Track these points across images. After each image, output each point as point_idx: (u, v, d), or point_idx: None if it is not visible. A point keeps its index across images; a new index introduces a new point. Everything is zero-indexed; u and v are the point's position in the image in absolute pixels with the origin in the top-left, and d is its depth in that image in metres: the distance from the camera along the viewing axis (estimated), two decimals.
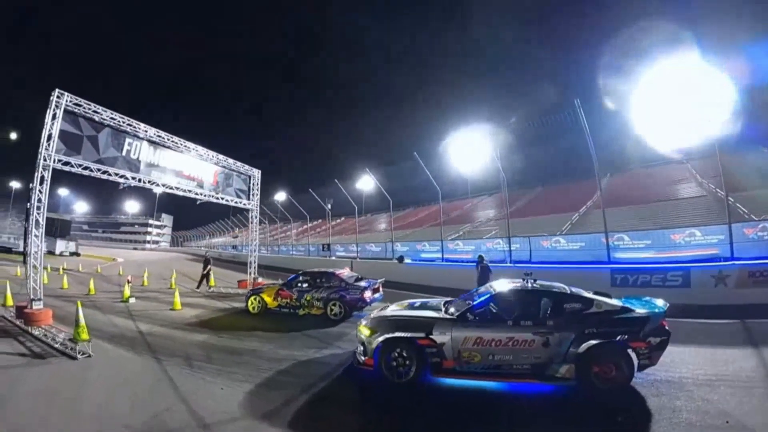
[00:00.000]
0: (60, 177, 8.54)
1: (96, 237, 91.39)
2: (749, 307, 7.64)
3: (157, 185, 10.98)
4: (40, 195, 7.54)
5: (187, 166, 11.89)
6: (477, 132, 15.15)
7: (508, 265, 14.33)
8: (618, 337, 4.33)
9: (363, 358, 4.99)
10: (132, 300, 11.12)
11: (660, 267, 10.12)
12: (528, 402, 4.30)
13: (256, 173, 14.98)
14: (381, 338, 4.82)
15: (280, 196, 31.08)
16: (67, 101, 8.00)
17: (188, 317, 9.06)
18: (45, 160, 7.62)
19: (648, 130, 15.90)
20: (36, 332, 6.91)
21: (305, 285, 9.32)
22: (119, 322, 8.38)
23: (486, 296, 4.96)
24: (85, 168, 8.68)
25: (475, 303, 4.89)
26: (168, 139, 10.93)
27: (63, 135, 8.08)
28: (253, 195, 14.96)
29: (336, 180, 22.30)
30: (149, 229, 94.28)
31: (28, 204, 7.75)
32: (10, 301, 9.30)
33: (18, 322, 7.56)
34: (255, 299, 9.61)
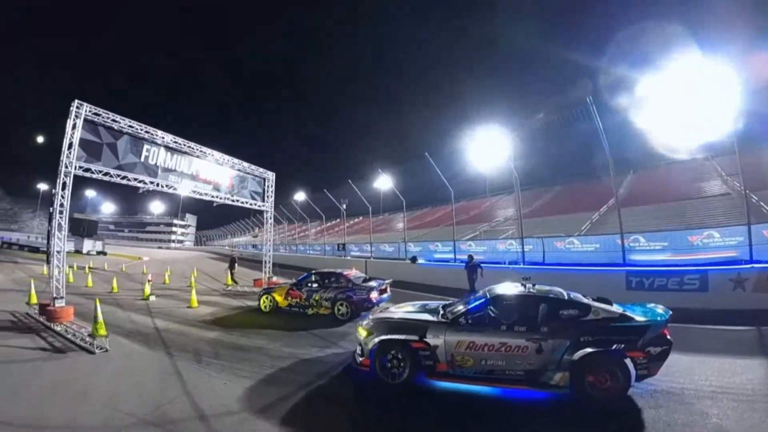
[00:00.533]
0: (87, 179, 9.07)
1: (122, 236, 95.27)
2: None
3: (174, 189, 11.47)
4: (62, 200, 8.04)
5: (203, 170, 12.36)
6: (495, 130, 15.00)
7: (522, 266, 14.17)
8: (614, 346, 4.20)
9: (360, 358, 5.12)
10: (152, 298, 11.64)
11: (677, 270, 9.83)
12: (520, 407, 4.29)
13: (271, 176, 15.37)
14: (377, 340, 4.93)
15: (300, 196, 31.71)
16: (86, 111, 8.48)
17: (203, 315, 9.45)
18: (66, 167, 8.12)
19: (671, 126, 15.43)
20: (58, 328, 7.36)
21: (314, 285, 9.57)
22: (137, 319, 8.83)
23: (481, 300, 4.96)
24: (105, 174, 9.18)
25: (469, 307, 4.91)
26: (184, 145, 11.40)
27: (83, 143, 8.57)
28: (267, 197, 15.38)
29: (349, 180, 22.56)
30: (174, 229, 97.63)
31: (51, 208, 8.26)
32: (34, 299, 9.83)
33: (41, 319, 8.04)
34: (267, 298, 9.93)
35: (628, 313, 4.52)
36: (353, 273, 9.95)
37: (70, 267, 19.41)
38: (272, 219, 16.08)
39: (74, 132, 8.20)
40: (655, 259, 12.41)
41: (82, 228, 37.94)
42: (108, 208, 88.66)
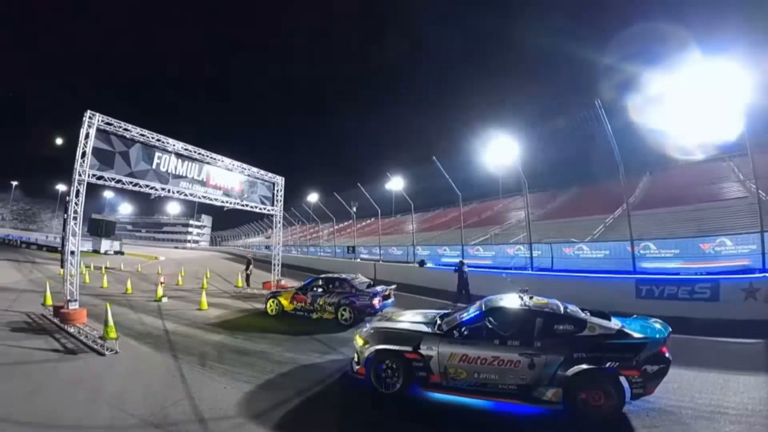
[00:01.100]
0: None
1: (139, 237, 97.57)
2: None
3: (185, 195, 11.82)
4: (76, 207, 8.41)
5: (214, 176, 12.70)
6: (509, 131, 14.93)
7: (530, 272, 14.07)
8: (608, 364, 4.14)
9: (357, 366, 5.23)
10: (164, 299, 11.98)
11: (688, 279, 9.62)
12: (513, 421, 4.30)
13: (280, 180, 15.65)
14: (372, 349, 5.02)
15: (312, 198, 32.12)
16: (99, 121, 8.85)
17: (211, 317, 9.71)
18: (80, 175, 8.49)
19: (688, 126, 15.07)
20: (71, 330, 7.68)
21: (319, 290, 9.74)
22: (148, 321, 9.14)
23: (475, 313, 4.97)
24: (118, 181, 9.57)
25: (463, 319, 4.93)
26: (195, 152, 11.75)
27: (96, 152, 8.94)
28: (276, 201, 15.67)
29: (359, 184, 22.71)
30: (190, 229, 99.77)
31: (65, 214, 8.63)
32: (49, 301, 10.20)
33: (55, 321, 8.39)
34: (273, 302, 10.15)
35: (626, 330, 4.43)
36: (359, 278, 10.09)
37: (87, 267, 20.15)
38: (281, 223, 16.36)
39: (87, 141, 8.57)
40: (666, 267, 12.12)
41: (100, 228, 39.18)
42: (126, 209, 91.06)
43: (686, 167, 25.88)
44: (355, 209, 25.93)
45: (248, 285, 15.53)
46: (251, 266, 16.14)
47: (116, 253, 40.10)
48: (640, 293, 9.61)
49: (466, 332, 4.73)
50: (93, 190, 8.80)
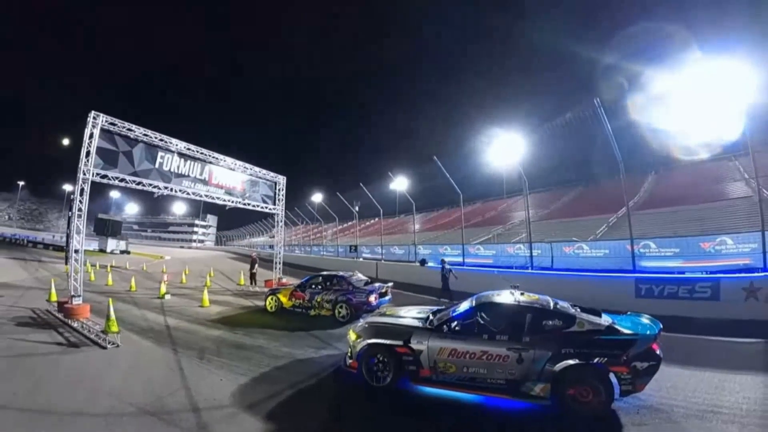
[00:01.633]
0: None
1: (146, 236, 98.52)
2: None
3: (188, 194, 12.01)
4: (80, 205, 8.63)
5: (216, 175, 12.88)
6: (514, 131, 14.94)
7: (530, 271, 14.09)
8: (596, 360, 4.13)
9: (349, 360, 5.33)
10: (167, 296, 12.17)
11: (688, 278, 9.60)
12: (500, 415, 4.34)
13: (281, 180, 15.82)
14: (364, 343, 5.12)
15: (316, 198, 32.35)
16: (102, 121, 9.06)
17: (212, 314, 9.86)
18: (84, 174, 8.70)
19: (693, 126, 14.99)
20: (74, 324, 7.86)
21: (317, 287, 9.87)
22: (150, 317, 9.31)
23: (465, 308, 5.04)
24: (122, 180, 9.78)
25: (453, 314, 5.00)
26: (197, 151, 11.94)
27: (100, 151, 9.14)
28: (278, 200, 15.82)
29: (361, 184, 22.86)
30: (195, 229, 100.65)
31: (70, 213, 8.83)
32: (54, 297, 10.45)
33: (59, 316, 8.60)
34: (272, 299, 10.29)
35: (615, 326, 4.43)
36: (356, 276, 10.19)
37: (93, 266, 20.44)
38: (283, 222, 16.52)
39: (91, 141, 8.78)
40: (666, 266, 12.06)
41: (106, 228, 39.65)
42: (132, 209, 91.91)
43: (691, 167, 25.71)
44: (357, 209, 26.05)
45: (253, 283, 15.66)
46: (256, 265, 16.28)
47: (122, 252, 40.53)
48: (640, 292, 9.60)
49: (455, 327, 4.80)
50: (100, 190, 9.02)
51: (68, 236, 9.00)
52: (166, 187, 10.99)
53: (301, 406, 4.53)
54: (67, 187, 55.04)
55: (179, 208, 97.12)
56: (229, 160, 13.29)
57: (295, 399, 4.69)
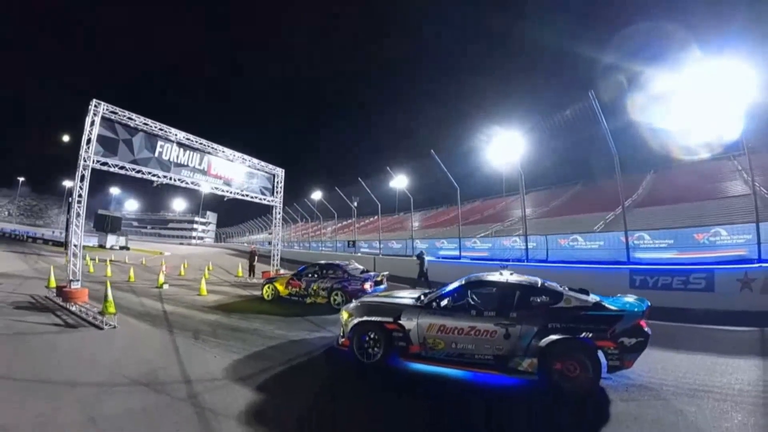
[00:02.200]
0: (110, 177, 9.73)
1: (145, 233, 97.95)
2: None
3: (187, 183, 12.08)
4: (80, 191, 8.72)
5: (215, 166, 12.96)
6: (513, 129, 14.99)
7: (525, 263, 14.15)
8: (583, 334, 4.15)
9: (342, 339, 5.41)
10: (165, 286, 12.24)
11: (682, 268, 9.59)
12: (489, 391, 4.36)
13: (280, 172, 15.89)
14: (356, 321, 5.21)
15: (316, 195, 32.49)
16: (104, 109, 9.16)
17: (209, 301, 9.95)
18: (85, 161, 8.80)
19: (692, 125, 15.03)
20: (72, 308, 7.95)
21: (313, 275, 9.94)
22: (148, 303, 9.40)
23: (455, 287, 5.12)
24: (121, 168, 9.87)
25: (443, 292, 5.09)
26: (196, 141, 12.03)
27: (101, 139, 9.25)
28: (276, 192, 15.90)
29: (359, 178, 22.94)
30: (195, 226, 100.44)
31: (70, 198, 8.92)
32: (53, 283, 10.53)
33: (57, 300, 8.69)
34: (269, 287, 10.39)
35: (603, 303, 4.46)
36: (352, 265, 10.28)
37: (92, 260, 20.51)
38: (281, 214, 16.60)
39: (92, 128, 8.88)
40: (661, 257, 12.13)
41: (106, 224, 39.67)
42: (132, 205, 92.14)
43: (690, 166, 25.76)
44: (356, 204, 26.10)
45: (252, 275, 15.83)
46: (256, 257, 16.45)
47: (121, 248, 40.47)
48: (634, 283, 9.62)
49: (445, 304, 4.88)
50: (99, 186, 9.07)
51: (68, 221, 9.07)
52: (165, 176, 11.08)
53: (293, 380, 4.62)
54: (67, 183, 55.06)
55: (179, 205, 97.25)
56: (228, 151, 13.37)
57: (287, 374, 4.77)
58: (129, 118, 9.93)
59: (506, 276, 5.14)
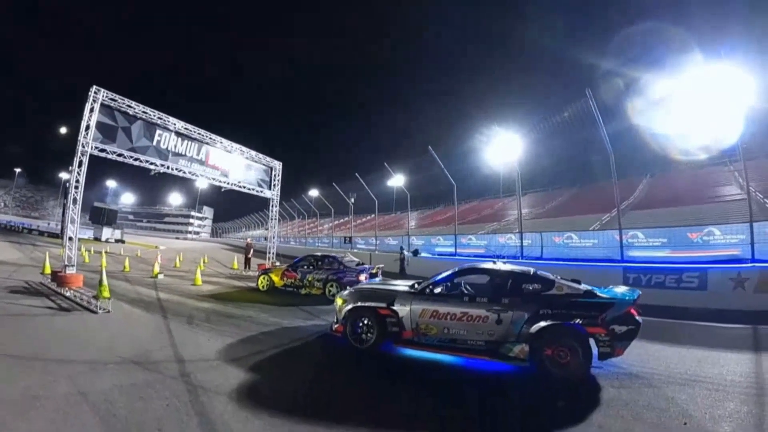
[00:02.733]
0: (109, 170, 9.77)
1: (141, 226, 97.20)
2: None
3: (184, 173, 12.06)
4: (78, 176, 8.70)
5: (212, 156, 12.95)
6: (512, 131, 15.05)
7: (520, 260, 14.23)
8: (573, 321, 4.18)
9: (335, 325, 5.44)
10: (160, 276, 12.23)
11: (675, 267, 9.67)
12: (481, 377, 4.37)
13: (278, 165, 15.89)
14: (349, 307, 5.23)
15: (313, 193, 32.56)
16: (103, 96, 9.16)
17: (204, 291, 9.96)
18: (83, 147, 8.79)
19: (689, 130, 15.12)
20: (67, 293, 7.94)
21: (309, 267, 9.97)
22: (143, 291, 9.40)
23: (448, 274, 5.16)
24: (119, 155, 9.86)
25: (437, 279, 5.12)
26: (194, 131, 12.02)
27: (99, 126, 9.25)
28: (274, 185, 15.88)
29: (357, 174, 22.95)
30: (191, 220, 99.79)
31: (67, 184, 8.90)
32: (48, 270, 10.56)
33: (52, 285, 8.68)
34: (264, 278, 10.41)
35: (594, 291, 4.51)
36: (347, 257, 10.32)
37: (87, 251, 20.43)
38: (277, 207, 16.58)
39: (92, 115, 8.88)
40: (654, 255, 12.19)
41: (102, 217, 39.53)
42: (128, 199, 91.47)
43: (686, 170, 25.92)
44: (353, 200, 26.14)
45: (248, 267, 15.88)
46: (252, 250, 16.46)
47: (117, 241, 40.26)
48: (628, 281, 9.68)
49: (438, 291, 4.93)
50: (96, 178, 9.06)
51: (64, 207, 9.05)
52: (162, 165, 11.06)
53: (286, 363, 4.65)
54: (64, 175, 54.83)
55: (175, 199, 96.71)
56: (226, 142, 13.37)
57: (280, 357, 4.80)
58: (128, 106, 9.92)
59: (499, 264, 5.20)
